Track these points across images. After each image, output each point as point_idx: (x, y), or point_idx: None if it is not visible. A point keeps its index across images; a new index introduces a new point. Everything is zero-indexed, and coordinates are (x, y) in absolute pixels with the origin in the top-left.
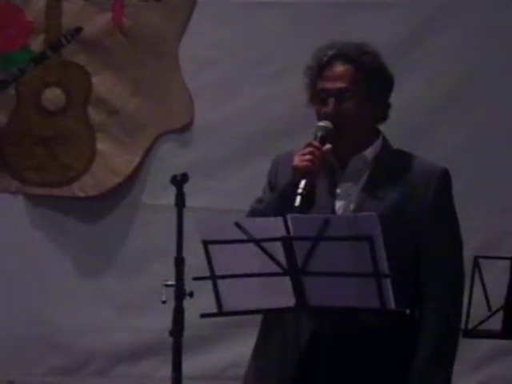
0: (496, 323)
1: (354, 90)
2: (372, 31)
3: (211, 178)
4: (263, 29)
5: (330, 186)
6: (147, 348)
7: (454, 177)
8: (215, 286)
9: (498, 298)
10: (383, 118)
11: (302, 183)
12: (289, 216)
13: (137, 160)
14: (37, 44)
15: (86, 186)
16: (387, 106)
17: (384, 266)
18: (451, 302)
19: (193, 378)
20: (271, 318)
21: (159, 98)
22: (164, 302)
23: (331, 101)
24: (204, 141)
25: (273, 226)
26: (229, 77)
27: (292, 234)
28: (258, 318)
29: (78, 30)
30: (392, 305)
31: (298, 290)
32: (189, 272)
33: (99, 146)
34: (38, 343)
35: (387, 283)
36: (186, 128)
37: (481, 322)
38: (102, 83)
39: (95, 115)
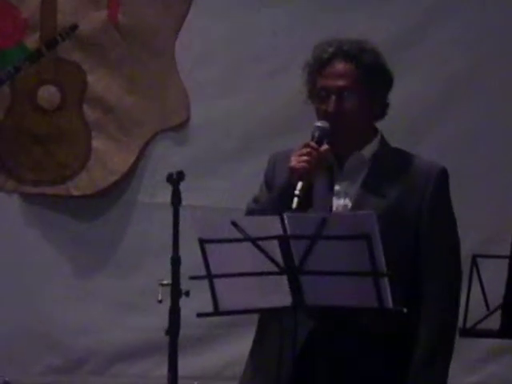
0: (494, 322)
1: (355, 88)
2: (370, 28)
3: (208, 176)
4: (260, 25)
5: (328, 185)
6: (143, 347)
7: (452, 174)
8: (211, 285)
9: (496, 296)
10: (381, 116)
11: (299, 185)
12: (285, 215)
13: (133, 158)
14: (32, 41)
15: (81, 185)
16: (386, 105)
17: (382, 264)
18: (448, 302)
19: (189, 378)
20: (268, 318)
21: (155, 95)
22: (160, 302)
23: (332, 99)
24: (200, 139)
25: (269, 224)
26: (226, 74)
27: (289, 232)
28: (255, 317)
29: (74, 27)
30: (390, 304)
31: (295, 289)
32: (185, 271)
33: (95, 144)
34: (34, 342)
35: (385, 282)
36: (182, 126)
37: (479, 321)
38: (98, 81)
39: (91, 113)
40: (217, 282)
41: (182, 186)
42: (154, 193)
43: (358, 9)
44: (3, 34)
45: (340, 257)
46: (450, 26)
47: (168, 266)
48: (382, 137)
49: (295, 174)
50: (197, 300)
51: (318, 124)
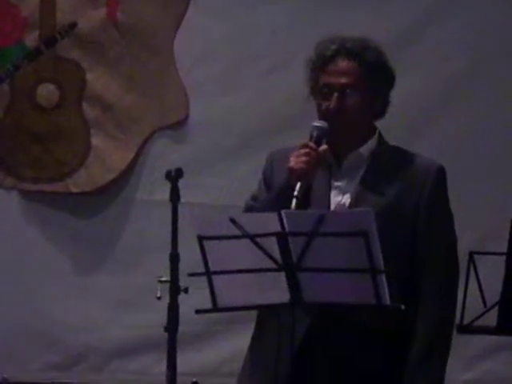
0: (491, 319)
1: (358, 86)
2: (370, 27)
3: (206, 173)
4: (260, 24)
5: (326, 183)
6: (142, 344)
7: (450, 172)
8: (210, 281)
9: (493, 293)
10: (382, 114)
11: (298, 186)
12: (284, 212)
13: (131, 156)
14: (31, 39)
15: (80, 182)
16: (387, 103)
17: (379, 261)
18: (446, 299)
19: (187, 374)
20: (266, 314)
21: (154, 93)
22: (159, 298)
23: (335, 96)
24: (199, 136)
25: (268, 221)
26: (224, 72)
27: (287, 229)
28: (253, 314)
29: (73, 25)
30: (387, 300)
31: (293, 286)
32: (184, 268)
33: (94, 141)
34: (33, 339)
35: (382, 279)
36: (181, 124)
37: (476, 318)
38: (97, 79)
39: (90, 111)
40: (215, 278)
41: (181, 184)
42: (152, 190)
43: (357, 7)
44: (3, 33)
45: (338, 254)
46: (449, 25)
47: (167, 263)
48: (380, 135)
49: (294, 175)
50: (195, 297)
51: (316, 124)
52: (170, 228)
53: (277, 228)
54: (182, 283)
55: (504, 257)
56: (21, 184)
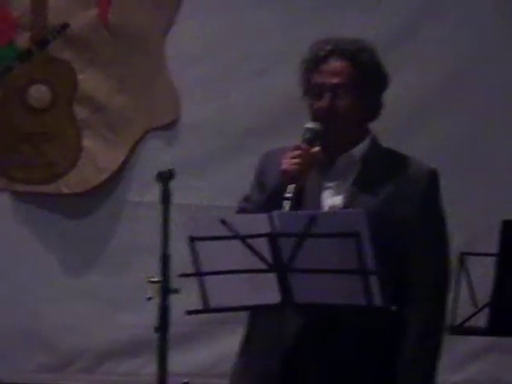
0: (482, 320)
1: (350, 86)
2: (362, 26)
3: (198, 175)
4: (250, 25)
5: (318, 184)
6: (133, 345)
7: (441, 172)
8: (201, 282)
9: (484, 294)
10: (375, 116)
11: (291, 188)
12: (274, 213)
13: (122, 157)
14: (22, 40)
15: (71, 183)
16: (380, 105)
17: (371, 262)
18: (437, 300)
19: (178, 375)
20: (257, 315)
21: (145, 94)
22: (149, 299)
23: (327, 95)
24: (190, 138)
25: (259, 222)
26: (215, 73)
27: (278, 230)
28: (244, 314)
29: (65, 26)
30: (379, 302)
31: (284, 287)
32: (175, 269)
33: (85, 142)
34: (24, 341)
35: (374, 280)
36: (172, 125)
37: (467, 319)
38: (88, 80)
39: (81, 112)
40: (206, 279)
41: (172, 185)
42: (143, 191)
43: (349, 7)
44: None
45: (329, 254)
46: (442, 24)
47: (158, 264)
48: (374, 137)
49: (287, 177)
50: (186, 297)
51: (309, 125)
52: (160, 229)
53: (267, 229)
54: (173, 284)
55: (494, 258)
56: (12, 185)
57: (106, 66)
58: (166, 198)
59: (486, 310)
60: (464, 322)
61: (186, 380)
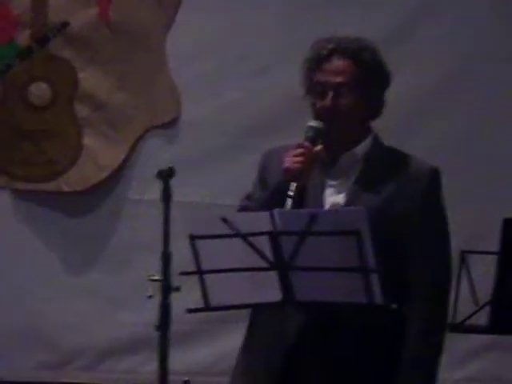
0: (483, 318)
1: (353, 85)
2: (360, 26)
3: (198, 172)
4: (250, 23)
5: (320, 182)
6: (134, 343)
7: (442, 171)
8: (202, 280)
9: (485, 292)
10: (377, 114)
11: (293, 186)
12: (276, 211)
13: (123, 155)
14: (23, 38)
15: (72, 181)
16: (382, 103)
17: (372, 260)
18: (438, 298)
19: (179, 373)
20: (259, 313)
21: (146, 92)
22: (150, 297)
23: (330, 94)
24: (191, 135)
25: (260, 220)
26: (216, 71)
27: (279, 228)
28: (245, 312)
29: (65, 24)
30: (380, 299)
31: (285, 285)
32: (176, 267)
33: (85, 140)
34: (24, 339)
35: (375, 278)
36: (172, 123)
37: (468, 317)
38: (89, 78)
39: (81, 110)
40: (207, 277)
41: (173, 183)
42: (144, 189)
43: (347, 6)
44: None
45: (330, 253)
46: (439, 24)
47: (159, 262)
48: (376, 135)
49: (289, 175)
50: (187, 295)
51: (311, 124)
52: (161, 227)
53: (269, 227)
54: (174, 282)
55: (495, 256)
56: (13, 183)
57: (107, 63)
58: (166, 195)
59: (487, 308)
60: (465, 320)
61: (186, 378)
